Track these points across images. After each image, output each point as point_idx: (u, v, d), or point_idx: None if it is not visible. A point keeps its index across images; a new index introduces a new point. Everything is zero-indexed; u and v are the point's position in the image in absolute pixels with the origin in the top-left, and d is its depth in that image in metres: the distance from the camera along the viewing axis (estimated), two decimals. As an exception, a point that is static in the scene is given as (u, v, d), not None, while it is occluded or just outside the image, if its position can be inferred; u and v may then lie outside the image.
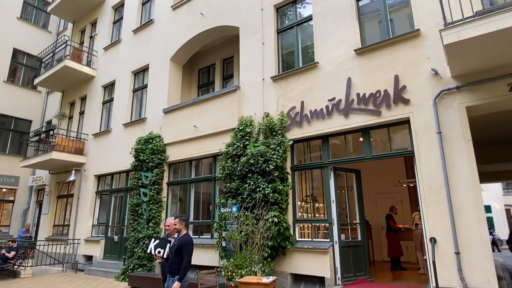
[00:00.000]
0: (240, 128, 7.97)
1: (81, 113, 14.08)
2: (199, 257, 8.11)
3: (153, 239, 5.11)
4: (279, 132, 7.42)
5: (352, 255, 6.77)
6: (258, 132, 7.82)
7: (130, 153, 10.38)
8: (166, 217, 9.59)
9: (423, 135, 5.78)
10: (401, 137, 6.42)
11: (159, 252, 4.93)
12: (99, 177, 12.35)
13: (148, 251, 5.06)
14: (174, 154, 9.70)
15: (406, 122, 6.14)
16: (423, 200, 5.63)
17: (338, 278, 6.41)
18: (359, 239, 7.08)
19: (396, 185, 9.93)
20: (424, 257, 6.52)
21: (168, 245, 4.96)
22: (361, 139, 6.85)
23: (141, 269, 8.97)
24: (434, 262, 5.21)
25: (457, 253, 5.07)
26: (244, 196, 7.09)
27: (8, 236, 14.91)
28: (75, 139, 13.02)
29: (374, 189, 10.31)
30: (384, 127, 6.43)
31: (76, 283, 8.95)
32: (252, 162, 7.12)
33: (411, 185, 9.63)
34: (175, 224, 4.92)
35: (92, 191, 12.18)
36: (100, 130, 12.75)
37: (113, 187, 11.79)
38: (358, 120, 6.51)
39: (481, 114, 5.87)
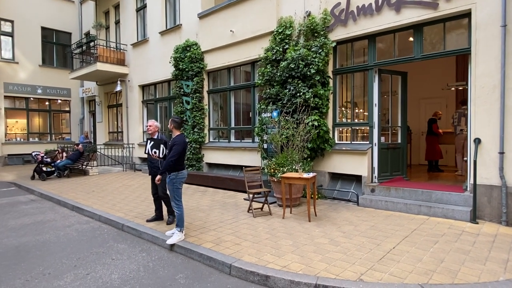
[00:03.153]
0: (279, 30, 7.62)
1: (117, 22, 14.00)
2: (242, 158, 8.81)
3: (148, 141, 5.21)
4: (322, 33, 7.02)
5: (390, 156, 6.97)
6: (299, 34, 7.45)
7: (170, 62, 10.52)
8: (209, 124, 10.17)
9: (484, 29, 5.21)
10: (457, 34, 5.84)
11: (155, 152, 5.03)
12: (143, 87, 12.90)
13: (146, 151, 5.14)
14: (212, 62, 9.70)
15: (466, 15, 5.50)
16: (473, 101, 5.40)
17: (375, 176, 6.77)
18: (399, 141, 7.17)
19: (444, 88, 9.43)
20: (465, 159, 6.57)
21: (162, 145, 5.04)
22: (411, 38, 6.34)
23: (191, 168, 9.98)
24: (475, 161, 5.27)
25: (501, 153, 5.05)
26: (284, 102, 7.20)
27: (70, 142, 16.80)
28: (115, 49, 13.26)
29: (417, 94, 9.93)
30: (440, 22, 5.83)
31: (136, 179, 10.27)
32: (292, 66, 6.99)
33: (460, 88, 9.11)
34: (169, 125, 4.81)
35: (138, 101, 12.90)
36: (137, 39, 12.78)
37: (157, 97, 12.37)
38: (412, 15, 5.93)
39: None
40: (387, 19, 6.24)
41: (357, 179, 6.87)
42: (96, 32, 14.88)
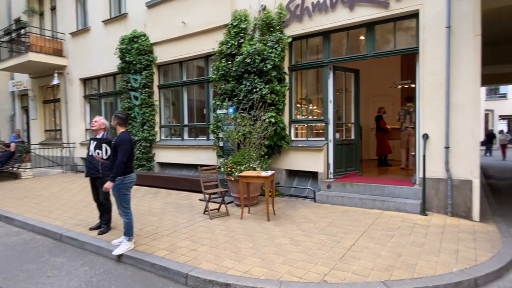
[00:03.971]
0: (234, 24, 7.35)
1: (53, 8, 12.63)
2: (196, 156, 8.41)
3: (91, 141, 4.80)
4: (277, 28, 6.90)
5: (344, 152, 7.10)
6: (254, 28, 7.26)
7: (115, 54, 9.71)
8: (161, 121, 9.59)
9: (431, 30, 5.45)
10: (407, 33, 6.08)
11: (98, 153, 4.65)
12: (85, 81, 11.80)
13: (90, 153, 4.74)
14: (162, 55, 9.13)
15: (414, 15, 5.73)
16: (421, 98, 5.64)
17: (330, 172, 6.84)
18: (353, 138, 7.33)
19: (391, 87, 9.90)
20: (412, 153, 6.90)
21: (106, 145, 4.65)
22: (361, 37, 6.48)
23: (140, 168, 9.33)
24: (424, 156, 5.52)
25: (447, 148, 5.34)
26: (240, 98, 6.96)
27: None
28: (51, 38, 11.95)
29: (367, 92, 10.27)
30: (391, 22, 6.01)
31: (78, 182, 9.35)
32: (248, 61, 6.78)
33: (406, 86, 9.62)
34: (112, 122, 4.30)
35: (79, 96, 11.78)
36: (77, 28, 11.63)
37: (101, 91, 11.39)
38: (364, 13, 6.03)
39: (495, 7, 5.47)
40: (341, 16, 6.30)
41: (314, 175, 6.90)
42: (27, 18, 13.29)
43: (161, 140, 9.55)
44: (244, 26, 7.26)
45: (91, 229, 4.99)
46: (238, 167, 6.06)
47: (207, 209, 5.54)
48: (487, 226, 4.84)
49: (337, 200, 6.19)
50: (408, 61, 8.77)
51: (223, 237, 4.50)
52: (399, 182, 6.23)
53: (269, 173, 5.39)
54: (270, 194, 5.43)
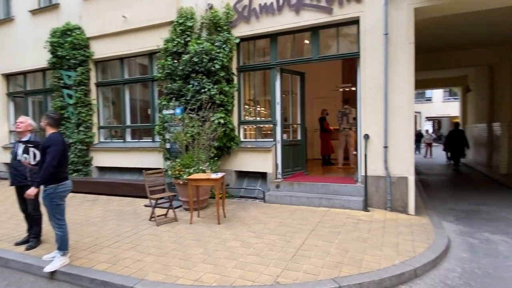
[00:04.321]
0: (180, 21, 7.09)
1: (-34, -7, 11.00)
2: (141, 160, 7.95)
3: (17, 144, 4.29)
4: (225, 28, 6.81)
5: (292, 152, 7.25)
6: (201, 27, 7.07)
7: (45, 48, 8.77)
8: (99, 122, 8.90)
9: (371, 36, 5.81)
10: (348, 39, 6.40)
11: (25, 158, 4.17)
12: (8, 77, 10.49)
13: (17, 158, 4.24)
14: (101, 50, 8.47)
15: (355, 22, 6.05)
16: (362, 101, 5.97)
17: (279, 172, 6.93)
18: (299, 138, 7.52)
19: (334, 90, 10.38)
20: (354, 153, 7.29)
21: (33, 149, 4.17)
22: (307, 41, 6.69)
23: (76, 174, 8.54)
24: (366, 155, 5.85)
25: (385, 147, 5.73)
26: (188, 98, 6.73)
27: None
28: (-36, 27, 10.40)
29: (311, 94, 10.65)
30: (334, 27, 6.28)
31: (1, 191, 8.26)
32: (196, 60, 6.57)
33: (347, 89, 10.16)
34: (41, 122, 3.81)
35: (2, 93, 10.43)
36: (-2, 17, 10.30)
37: (27, 89, 10.22)
38: (310, 18, 6.22)
39: (427, 17, 5.98)
40: (288, 20, 6.41)
41: (263, 176, 6.93)
42: None
43: (100, 142, 8.86)
44: (191, 24, 7.04)
45: (17, 244, 4.40)
46: (187, 170, 5.83)
47: (153, 215, 5.23)
48: (421, 219, 5.28)
49: (286, 200, 6.28)
50: (349, 65, 9.28)
51: (171, 244, 4.27)
52: (343, 180, 6.53)
53: (219, 175, 5.27)
54: (220, 196, 5.31)
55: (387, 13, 5.61)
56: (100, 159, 8.66)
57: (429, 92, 30.54)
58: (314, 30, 6.41)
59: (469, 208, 6.27)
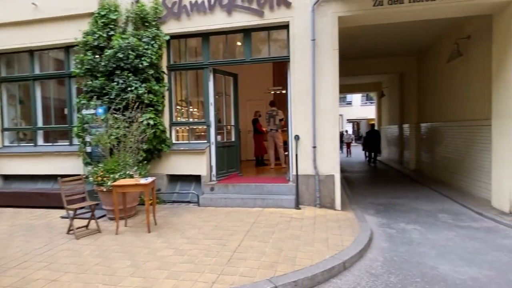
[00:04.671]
0: (102, 13, 6.51)
1: None
2: (56, 165, 7.10)
3: None
4: (153, 23, 6.45)
5: (226, 154, 7.18)
6: (127, 21, 6.59)
7: None
8: (3, 123, 7.71)
9: (300, 41, 6.05)
10: (279, 43, 6.58)
11: None
12: None
13: None
14: (4, 40, 7.34)
15: (285, 26, 6.24)
16: (293, 103, 6.19)
17: (213, 175, 6.80)
18: (233, 140, 7.49)
19: (265, 92, 10.61)
20: (286, 153, 7.52)
21: None
22: (239, 43, 6.70)
23: (-28, 184, 7.24)
24: (297, 155, 6.06)
25: (314, 147, 6.01)
26: (112, 97, 6.18)
27: None
28: None
29: (244, 96, 10.75)
30: (266, 30, 6.40)
31: None
32: (120, 56, 6.09)
33: (278, 92, 10.48)
34: None
35: None
36: None
37: None
38: (242, 19, 6.23)
39: (349, 26, 6.44)
40: (220, 20, 6.34)
41: (197, 179, 6.72)
42: None
43: (4, 147, 7.67)
44: (115, 17, 6.52)
45: None
46: (112, 176, 5.35)
47: (71, 228, 4.67)
48: (347, 213, 5.66)
49: (221, 202, 6.19)
50: (279, 68, 9.59)
51: (94, 259, 3.85)
52: (276, 180, 6.68)
53: (149, 180, 4.94)
54: (150, 202, 4.98)
55: (314, 20, 5.90)
56: (5, 166, 7.49)
57: (349, 96, 33.37)
58: (246, 32, 6.44)
59: (387, 201, 6.94)
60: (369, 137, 14.48)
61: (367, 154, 15.48)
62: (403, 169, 11.58)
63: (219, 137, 7.01)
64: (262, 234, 4.55)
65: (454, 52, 7.63)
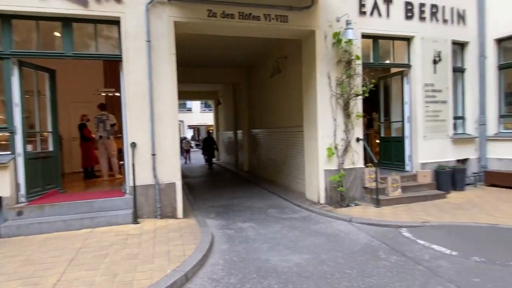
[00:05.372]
0: None
1: None
2: None
3: None
4: None
5: (41, 167, 5.83)
6: None
7: None
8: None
9: (134, 40, 5.58)
10: (111, 39, 5.88)
11: None
12: None
13: None
14: None
15: (116, 22, 5.63)
16: (128, 107, 5.63)
17: (22, 195, 5.38)
18: (51, 149, 6.18)
19: (95, 94, 9.36)
20: (121, 162, 6.80)
21: None
22: (57, 33, 5.62)
23: None
24: (133, 164, 5.54)
25: (153, 155, 5.66)
26: None
27: None
28: None
29: (67, 97, 9.17)
30: (92, 23, 5.59)
31: None
32: None
33: (110, 94, 9.44)
34: None
35: None
36: None
37: None
38: (59, 6, 5.21)
39: (188, 33, 6.41)
40: (28, 1, 5.10)
41: (-4, 202, 5.15)
42: None
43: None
44: None
45: None
46: None
47: None
48: (189, 221, 5.58)
49: (34, 229, 4.95)
50: (112, 69, 8.65)
51: None
52: (109, 194, 5.93)
53: None
54: None
55: (149, 20, 5.58)
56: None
57: (189, 103, 34.10)
58: (66, 21, 5.42)
59: (225, 203, 7.31)
60: (206, 143, 16.07)
61: (206, 158, 16.34)
62: (238, 171, 12.60)
63: (30, 147, 5.63)
64: (91, 261, 3.87)
65: (275, 68, 8.89)
